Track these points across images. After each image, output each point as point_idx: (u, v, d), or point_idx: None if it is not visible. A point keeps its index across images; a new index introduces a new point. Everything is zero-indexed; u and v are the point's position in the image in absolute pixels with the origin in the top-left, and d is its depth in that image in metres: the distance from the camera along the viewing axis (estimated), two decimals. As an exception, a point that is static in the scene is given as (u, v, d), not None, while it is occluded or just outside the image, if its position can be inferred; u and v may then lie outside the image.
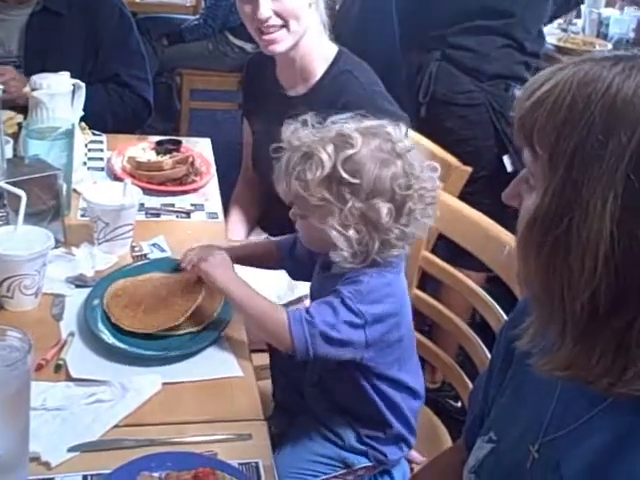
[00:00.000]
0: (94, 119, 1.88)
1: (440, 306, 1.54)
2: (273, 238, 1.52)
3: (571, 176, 0.65)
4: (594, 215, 0.63)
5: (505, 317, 1.29)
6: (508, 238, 1.29)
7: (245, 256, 1.36)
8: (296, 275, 1.40)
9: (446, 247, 1.54)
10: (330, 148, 1.10)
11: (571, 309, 0.66)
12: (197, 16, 3.93)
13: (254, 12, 1.58)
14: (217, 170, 1.85)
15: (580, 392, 0.76)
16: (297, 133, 1.16)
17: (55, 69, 1.74)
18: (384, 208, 1.09)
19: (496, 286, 1.42)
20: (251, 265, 1.38)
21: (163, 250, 1.49)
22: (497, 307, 1.37)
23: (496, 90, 2.10)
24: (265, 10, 1.57)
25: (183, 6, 3.98)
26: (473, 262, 1.41)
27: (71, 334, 1.23)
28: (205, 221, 1.64)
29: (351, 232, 1.10)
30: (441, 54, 2.14)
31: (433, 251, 1.54)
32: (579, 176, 0.64)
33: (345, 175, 1.09)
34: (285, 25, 1.60)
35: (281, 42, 1.61)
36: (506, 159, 2.08)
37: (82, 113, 1.75)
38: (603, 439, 0.73)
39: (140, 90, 2.17)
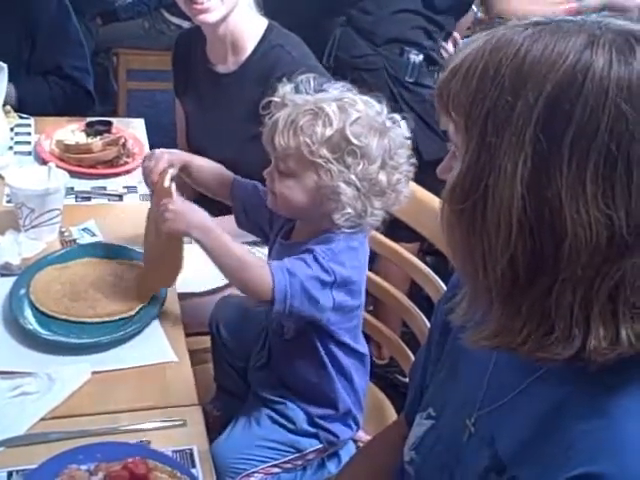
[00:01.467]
0: (35, 111, 1.83)
1: (379, 280, 1.52)
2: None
3: (485, 141, 0.63)
4: (505, 179, 0.62)
5: (444, 288, 1.28)
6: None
7: (201, 181, 1.34)
8: (242, 222, 1.35)
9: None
10: (336, 108, 1.11)
11: (493, 276, 0.65)
12: (131, -5, 3.83)
13: None
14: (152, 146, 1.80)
15: (513, 364, 0.75)
16: (298, 92, 1.15)
17: None
18: (381, 175, 1.11)
19: (433, 257, 1.42)
20: (206, 192, 1.35)
21: (94, 235, 1.44)
22: (436, 278, 1.36)
23: (390, 54, 2.08)
24: None
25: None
26: (405, 232, 1.40)
27: (-4, 324, 1.19)
28: (139, 203, 1.59)
29: (352, 193, 1.10)
30: (346, 19, 2.14)
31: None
32: (492, 140, 0.63)
33: (351, 137, 1.09)
34: None
35: (212, 11, 1.55)
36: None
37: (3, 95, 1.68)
38: (538, 410, 0.72)
39: (82, 81, 2.12)
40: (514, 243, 0.62)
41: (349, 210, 1.11)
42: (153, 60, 3.53)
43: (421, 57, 2.07)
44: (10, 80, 1.74)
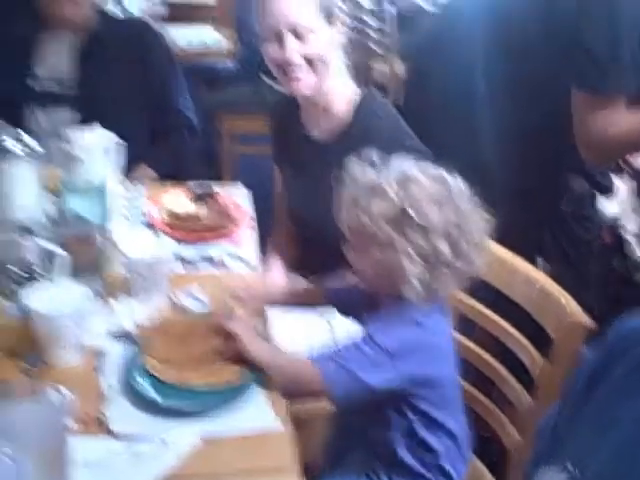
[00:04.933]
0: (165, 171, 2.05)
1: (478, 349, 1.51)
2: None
3: None
4: None
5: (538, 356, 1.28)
6: (538, 275, 1.28)
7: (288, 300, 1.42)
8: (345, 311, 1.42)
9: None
10: (395, 184, 1.16)
11: None
12: (234, 62, 4.02)
13: (280, 54, 1.61)
14: (257, 214, 1.89)
15: None
16: (360, 168, 1.21)
17: (105, 99, 1.97)
18: (444, 246, 1.14)
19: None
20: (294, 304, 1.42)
21: (199, 300, 1.51)
22: (531, 347, 1.35)
23: None
24: (291, 52, 1.60)
25: (221, 52, 4.07)
26: (490, 294, 1.41)
27: (111, 387, 1.26)
28: (241, 269, 1.66)
29: (416, 266, 1.14)
30: None
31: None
32: None
33: (411, 212, 1.14)
34: (310, 67, 1.62)
35: (306, 83, 1.63)
36: None
37: (120, 165, 1.80)
38: None
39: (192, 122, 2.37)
40: None
41: (416, 283, 1.14)
42: (257, 125, 3.66)
43: None
44: (136, 152, 1.88)
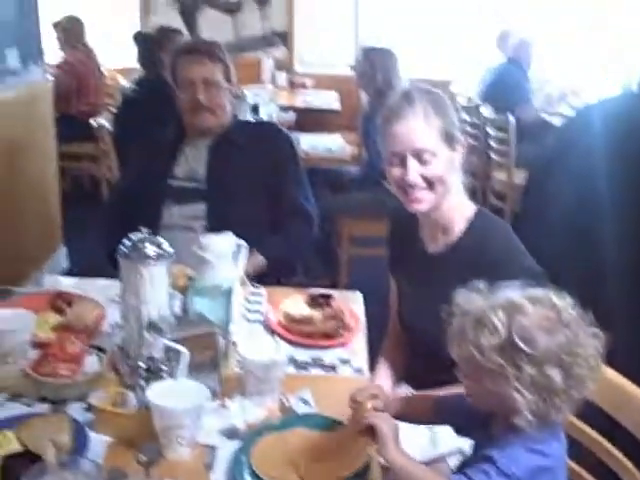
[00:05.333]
0: (280, 254, 2.27)
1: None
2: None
3: None
4: None
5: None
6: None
7: (404, 412, 1.42)
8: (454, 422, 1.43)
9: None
10: (502, 314, 1.17)
11: None
12: (358, 167, 4.17)
13: (403, 175, 1.69)
14: (369, 316, 1.94)
15: None
16: (467, 298, 1.24)
17: (231, 192, 2.24)
18: (555, 374, 1.14)
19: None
20: (405, 420, 1.42)
21: (309, 404, 1.55)
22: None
23: None
24: (414, 175, 1.67)
25: (345, 158, 4.25)
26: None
27: (219, 485, 1.31)
28: (353, 377, 1.70)
29: (528, 396, 1.14)
30: None
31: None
32: None
33: (519, 342, 1.14)
34: (430, 187, 1.69)
35: (425, 202, 1.70)
36: None
37: (242, 271, 1.91)
38: None
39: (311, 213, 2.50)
40: None
41: (527, 412, 1.13)
42: (375, 228, 3.77)
43: None
44: (251, 239, 1.98)
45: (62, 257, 4.28)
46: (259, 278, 2.15)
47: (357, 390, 1.41)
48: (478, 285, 1.25)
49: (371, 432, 1.29)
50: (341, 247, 3.93)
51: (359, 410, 1.36)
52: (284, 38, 6.75)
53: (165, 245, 1.62)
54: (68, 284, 2.10)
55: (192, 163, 2.45)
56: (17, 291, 1.99)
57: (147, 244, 1.59)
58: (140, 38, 4.51)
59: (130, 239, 1.61)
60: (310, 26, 6.71)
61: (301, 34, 6.78)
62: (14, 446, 1.34)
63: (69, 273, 3.61)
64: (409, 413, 1.44)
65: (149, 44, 4.27)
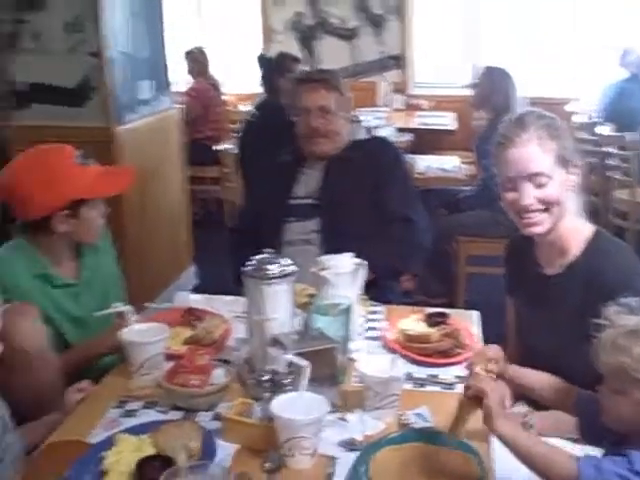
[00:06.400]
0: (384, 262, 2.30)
1: None
2: None
3: None
4: None
5: None
6: None
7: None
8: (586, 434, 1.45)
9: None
10: None
11: None
12: (474, 187, 4.16)
13: (517, 200, 1.70)
14: (488, 336, 1.96)
15: None
16: (618, 313, 1.29)
17: (343, 206, 2.38)
18: None
19: None
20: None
21: (426, 420, 1.58)
22: None
23: None
24: (529, 198, 1.68)
25: (460, 178, 4.25)
26: None
27: (338, 495, 1.37)
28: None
29: None
30: None
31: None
32: None
33: None
34: (546, 209, 1.69)
35: (541, 225, 1.70)
36: None
37: (360, 289, 1.97)
38: None
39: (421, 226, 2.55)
40: None
41: None
42: (491, 247, 3.77)
43: None
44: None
45: (192, 275, 4.50)
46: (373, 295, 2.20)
47: (475, 354, 1.44)
48: (631, 302, 1.26)
49: (480, 399, 1.32)
50: (458, 266, 3.93)
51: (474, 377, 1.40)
52: (399, 61, 6.83)
53: (288, 264, 1.71)
54: (197, 300, 2.23)
55: (310, 182, 2.58)
56: (152, 307, 2.13)
57: (270, 264, 1.68)
58: (263, 60, 4.72)
59: (254, 259, 1.71)
60: (424, 48, 6.78)
61: (416, 56, 6.85)
62: (149, 450, 1.45)
63: (197, 290, 3.79)
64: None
65: (270, 67, 4.45)
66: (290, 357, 1.55)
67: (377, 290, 2.23)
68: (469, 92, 4.36)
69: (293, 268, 1.70)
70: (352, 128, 2.69)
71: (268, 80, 4.41)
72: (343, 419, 1.58)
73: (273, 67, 4.41)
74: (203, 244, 4.53)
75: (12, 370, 1.73)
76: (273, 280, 1.67)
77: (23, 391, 1.78)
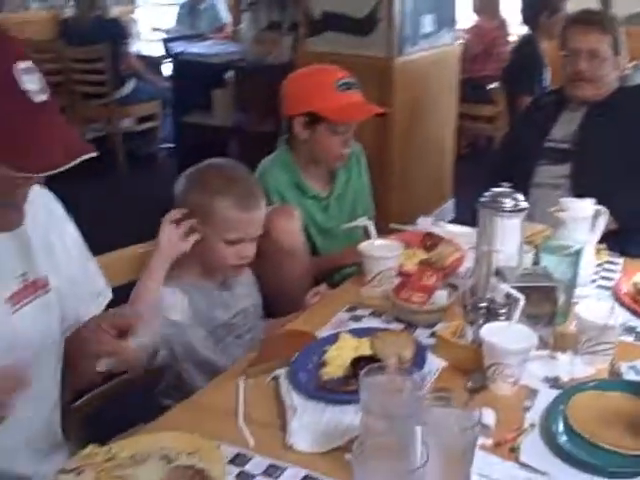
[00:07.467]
0: None
1: None
2: None
3: None
4: None
5: None
6: None
7: None
8: None
9: None
10: None
11: None
12: None
13: None
14: None
15: None
16: None
17: (601, 155, 2.32)
18: None
19: None
20: None
21: (640, 374, 1.55)
22: None
23: None
24: None
25: None
26: None
27: (532, 425, 1.41)
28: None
29: None
30: None
31: None
32: None
33: None
34: None
35: None
36: None
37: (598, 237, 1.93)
38: None
39: None
40: None
41: None
42: None
43: None
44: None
45: (450, 208, 4.60)
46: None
47: None
48: None
49: None
50: None
51: None
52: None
53: (521, 201, 1.73)
54: (438, 227, 2.33)
55: (569, 126, 2.53)
56: (395, 227, 2.27)
57: (505, 198, 1.72)
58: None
59: (490, 192, 1.76)
60: None
61: None
62: (366, 351, 1.61)
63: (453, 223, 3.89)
64: None
65: (536, 4, 4.37)
66: (508, 289, 1.60)
67: (618, 241, 2.16)
68: None
69: (526, 204, 1.73)
70: (630, 75, 2.58)
71: (530, 16, 4.34)
72: (553, 357, 1.60)
73: (539, 4, 4.33)
74: (465, 178, 4.58)
75: (268, 263, 1.98)
76: (505, 213, 1.71)
77: (275, 284, 2.04)
